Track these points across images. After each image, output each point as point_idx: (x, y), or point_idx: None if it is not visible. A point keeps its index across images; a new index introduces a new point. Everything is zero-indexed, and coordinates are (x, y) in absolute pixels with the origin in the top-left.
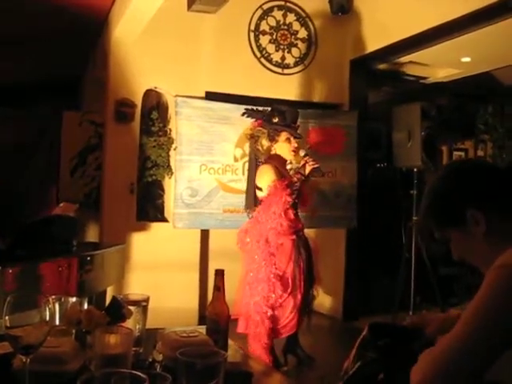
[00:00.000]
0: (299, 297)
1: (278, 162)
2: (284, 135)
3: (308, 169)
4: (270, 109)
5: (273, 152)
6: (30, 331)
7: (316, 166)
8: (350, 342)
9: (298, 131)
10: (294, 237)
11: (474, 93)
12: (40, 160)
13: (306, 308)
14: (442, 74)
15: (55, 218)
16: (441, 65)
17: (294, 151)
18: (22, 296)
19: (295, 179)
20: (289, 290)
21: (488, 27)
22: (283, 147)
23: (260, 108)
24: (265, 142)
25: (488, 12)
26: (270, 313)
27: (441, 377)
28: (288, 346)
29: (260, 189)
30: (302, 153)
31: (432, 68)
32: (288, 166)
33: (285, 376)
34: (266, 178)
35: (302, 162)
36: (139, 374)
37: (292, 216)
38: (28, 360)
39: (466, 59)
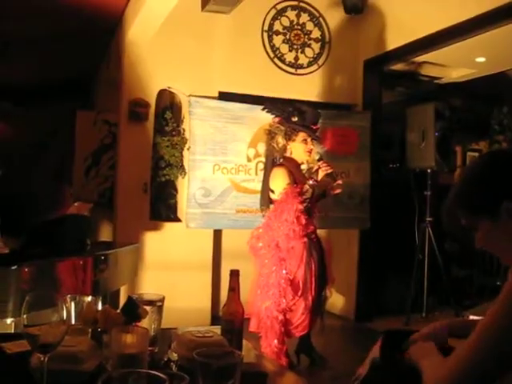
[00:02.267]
0: (310, 299)
1: (292, 166)
2: (302, 136)
3: (321, 174)
4: (291, 108)
5: (288, 151)
6: (47, 330)
7: (329, 171)
8: (362, 343)
9: (318, 133)
10: (306, 239)
11: (489, 93)
12: (53, 159)
13: (318, 309)
14: (456, 74)
15: (69, 218)
16: (455, 65)
17: (309, 152)
18: (39, 295)
19: (307, 186)
20: (299, 293)
21: (503, 27)
22: (299, 147)
23: (280, 105)
24: (281, 140)
25: (503, 12)
26: (280, 317)
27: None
28: (301, 347)
29: (273, 191)
30: (316, 156)
31: (446, 68)
32: (303, 166)
33: (299, 376)
34: (278, 181)
35: (316, 167)
36: (158, 374)
37: (303, 221)
38: (46, 359)
39: (481, 59)
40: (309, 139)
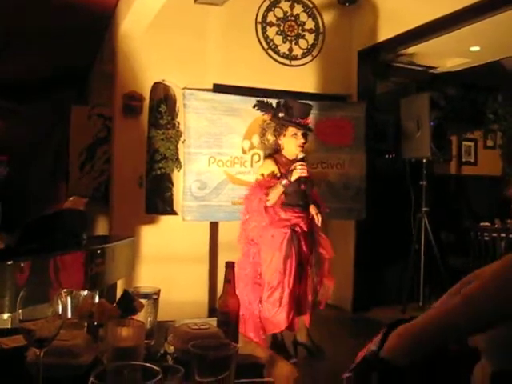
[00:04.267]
0: (287, 291)
1: (282, 159)
2: (291, 130)
3: (295, 176)
4: (280, 101)
5: (281, 146)
6: (43, 324)
7: (303, 174)
8: (359, 333)
9: (310, 126)
10: (288, 230)
11: (484, 82)
12: (49, 154)
13: (302, 303)
14: (450, 63)
15: (65, 212)
16: (450, 54)
17: (300, 146)
18: (34, 290)
19: (279, 184)
20: (275, 283)
21: (497, 16)
22: (290, 142)
23: (271, 101)
24: (270, 137)
25: (496, 1)
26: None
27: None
28: (297, 338)
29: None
30: (300, 155)
31: (441, 58)
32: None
33: (295, 367)
34: (262, 169)
35: (292, 167)
36: (152, 366)
37: (271, 212)
38: (41, 353)
39: (475, 48)
40: (299, 133)
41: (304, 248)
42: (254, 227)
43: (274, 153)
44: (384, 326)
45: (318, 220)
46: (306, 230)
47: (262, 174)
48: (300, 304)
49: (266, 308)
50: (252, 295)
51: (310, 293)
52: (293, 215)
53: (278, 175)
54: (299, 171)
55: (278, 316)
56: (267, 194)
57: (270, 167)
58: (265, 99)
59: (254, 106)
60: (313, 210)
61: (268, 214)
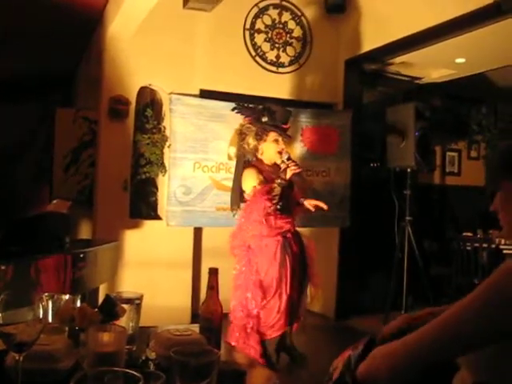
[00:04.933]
0: (285, 298)
1: (263, 165)
2: (273, 136)
3: (289, 173)
4: (261, 106)
5: (260, 151)
6: (23, 329)
7: (297, 170)
8: (342, 341)
9: (290, 131)
10: (280, 238)
11: (468, 94)
12: (33, 157)
13: (296, 309)
14: (436, 74)
15: (48, 215)
16: (435, 65)
17: (279, 153)
18: (15, 293)
19: (275, 185)
20: (272, 292)
21: (482, 29)
22: (270, 147)
23: (251, 105)
24: (251, 141)
25: (482, 14)
26: (244, 318)
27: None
28: (280, 345)
29: (244, 192)
30: (285, 156)
31: (426, 68)
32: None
33: (277, 374)
34: (248, 181)
35: (284, 166)
36: (133, 372)
37: (272, 222)
38: (21, 358)
39: (461, 60)
40: (280, 139)
41: (295, 251)
42: (252, 236)
43: (253, 159)
44: (366, 338)
45: (324, 205)
46: (293, 232)
47: (254, 187)
48: (293, 310)
49: (264, 315)
50: (252, 301)
51: (303, 298)
52: (282, 222)
53: (264, 179)
54: (293, 168)
55: (276, 323)
56: (270, 200)
57: (254, 176)
58: (245, 103)
59: (234, 109)
60: (310, 202)
61: (268, 224)
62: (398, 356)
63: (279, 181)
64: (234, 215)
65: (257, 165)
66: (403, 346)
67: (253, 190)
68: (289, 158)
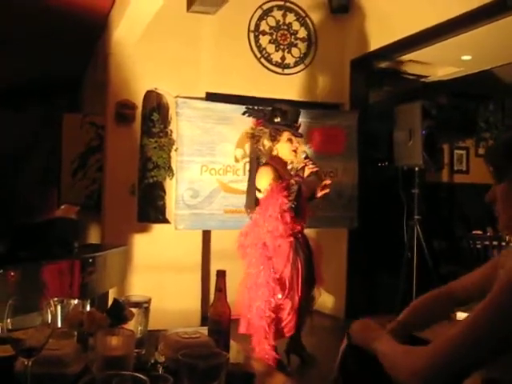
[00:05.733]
0: (297, 298)
1: (278, 164)
2: (286, 135)
3: (307, 172)
4: (270, 108)
5: (274, 152)
6: (32, 334)
7: (315, 169)
8: None
9: (300, 130)
10: (292, 239)
11: (475, 91)
12: (40, 162)
13: (306, 309)
14: (442, 72)
15: (56, 220)
16: (441, 63)
17: (294, 151)
18: (24, 298)
19: (293, 181)
20: (286, 292)
21: (488, 25)
22: (285, 147)
23: (261, 107)
24: (267, 142)
25: (488, 10)
26: (273, 316)
27: (432, 373)
28: (291, 347)
29: (259, 190)
30: (302, 154)
31: (433, 66)
32: (289, 166)
33: (287, 376)
34: (264, 180)
35: (302, 165)
36: (141, 376)
37: (288, 219)
38: (30, 363)
39: (467, 57)
40: (293, 138)
41: (305, 253)
42: (267, 232)
43: (269, 159)
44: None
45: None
46: (301, 232)
47: (270, 184)
48: (302, 311)
49: (281, 315)
50: (265, 299)
51: (309, 299)
52: (292, 222)
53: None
54: (311, 167)
55: (287, 324)
56: (286, 197)
57: (269, 173)
58: (255, 106)
59: (245, 113)
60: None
61: (283, 220)
62: (433, 356)
63: (297, 178)
64: (250, 218)
65: (272, 163)
66: (435, 347)
67: (269, 185)
68: (306, 157)
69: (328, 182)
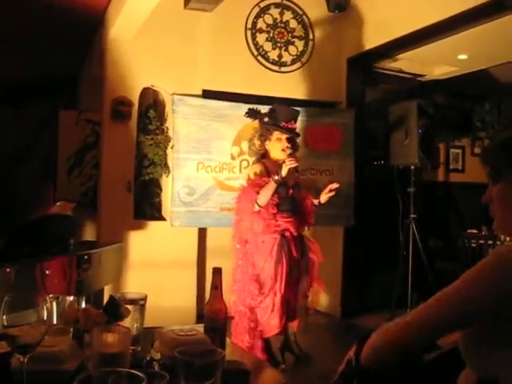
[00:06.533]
0: (279, 296)
1: (268, 162)
2: (275, 134)
3: (285, 169)
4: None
5: (267, 151)
6: (28, 330)
7: (293, 165)
8: (348, 340)
9: (297, 130)
10: (277, 236)
11: (471, 90)
12: (37, 159)
13: (292, 308)
14: (439, 71)
15: (52, 217)
16: (438, 62)
17: (283, 150)
18: (20, 295)
19: (270, 180)
20: (267, 290)
21: (485, 25)
22: (275, 146)
23: (261, 108)
24: (256, 142)
25: (484, 10)
26: (247, 313)
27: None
28: (285, 344)
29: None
30: (288, 151)
31: (429, 65)
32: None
33: (282, 374)
34: (251, 169)
35: (281, 162)
36: (137, 373)
37: (266, 215)
38: (25, 359)
39: (463, 57)
40: (283, 137)
41: (294, 253)
42: (246, 228)
43: (262, 158)
44: (357, 340)
45: (335, 184)
46: (295, 234)
47: (255, 173)
48: (290, 309)
49: (259, 313)
50: (249, 296)
51: (300, 298)
52: (282, 220)
53: (267, 175)
54: (288, 163)
55: (271, 321)
56: (259, 193)
57: (257, 167)
58: (255, 106)
59: (245, 114)
60: (324, 194)
61: (261, 217)
62: (400, 330)
63: (276, 177)
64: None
65: (263, 161)
66: (408, 321)
67: (247, 180)
68: (290, 155)
69: (335, 185)
